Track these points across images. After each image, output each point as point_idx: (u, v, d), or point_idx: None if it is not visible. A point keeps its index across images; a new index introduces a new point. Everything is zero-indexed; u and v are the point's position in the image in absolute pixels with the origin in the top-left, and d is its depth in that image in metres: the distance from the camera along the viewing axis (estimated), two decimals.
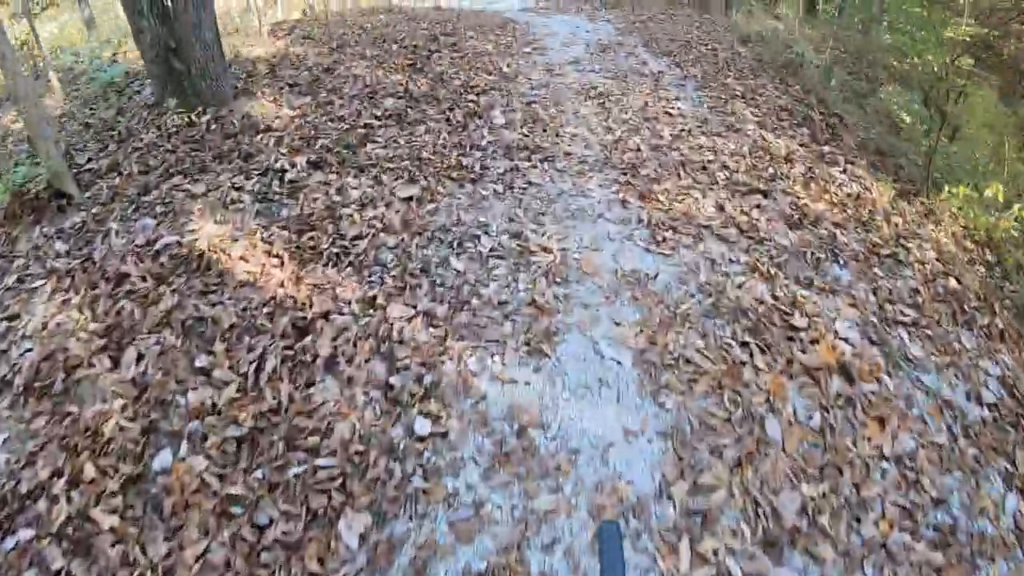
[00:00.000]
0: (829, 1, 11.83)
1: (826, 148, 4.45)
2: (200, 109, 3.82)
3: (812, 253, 3.04)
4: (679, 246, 2.90)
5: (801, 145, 4.39)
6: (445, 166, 3.53)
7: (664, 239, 2.91)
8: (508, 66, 5.43)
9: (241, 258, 2.78)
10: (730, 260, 2.88)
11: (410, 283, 2.66)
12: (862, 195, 3.95)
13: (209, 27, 3.84)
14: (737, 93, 5.15)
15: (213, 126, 3.70)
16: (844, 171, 4.20)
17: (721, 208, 3.27)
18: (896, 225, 3.74)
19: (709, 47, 6.50)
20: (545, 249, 2.82)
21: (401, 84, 4.62)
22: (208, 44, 3.84)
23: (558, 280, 2.66)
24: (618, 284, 2.67)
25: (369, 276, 2.71)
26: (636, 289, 2.64)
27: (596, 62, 5.69)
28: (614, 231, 2.97)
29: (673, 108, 4.57)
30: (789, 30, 8.96)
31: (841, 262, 3.10)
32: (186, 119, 3.75)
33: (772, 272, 2.84)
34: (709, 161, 3.75)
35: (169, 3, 3.76)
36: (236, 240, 2.85)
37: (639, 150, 3.81)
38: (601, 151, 3.81)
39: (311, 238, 2.88)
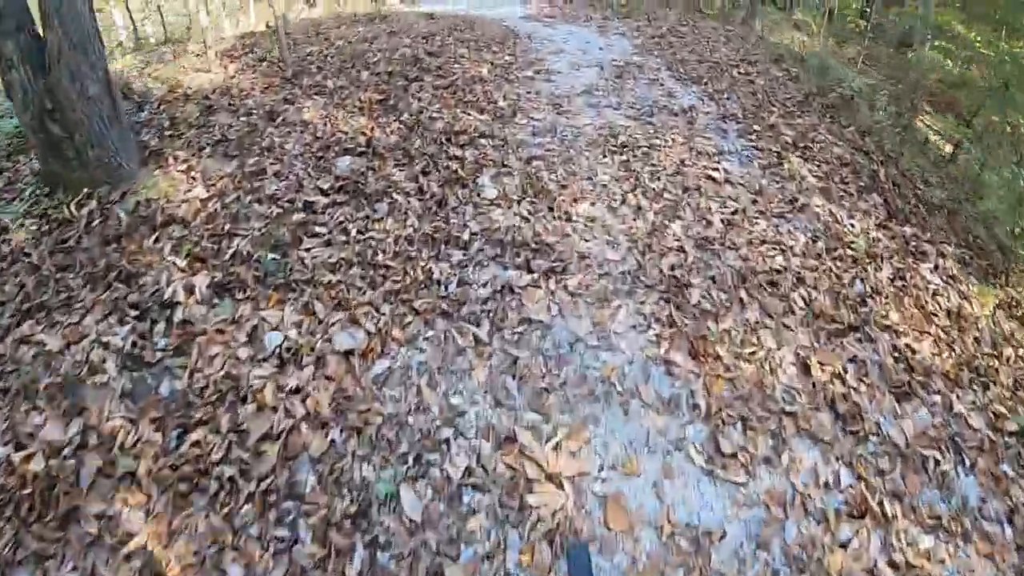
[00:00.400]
0: (848, 8, 10.43)
1: (908, 229, 3.34)
2: (86, 192, 2.70)
3: (933, 457, 1.99)
4: (754, 463, 1.83)
5: (879, 226, 3.28)
6: (409, 282, 2.43)
7: (733, 452, 1.84)
8: (505, 98, 4.25)
9: (91, 488, 1.73)
10: (826, 485, 1.82)
11: (336, 545, 1.61)
12: (963, 311, 2.88)
13: (95, 78, 2.66)
14: (788, 140, 4.01)
15: (96, 221, 2.57)
16: (935, 268, 3.11)
17: (805, 367, 2.19)
18: (1008, 361, 2.70)
19: (741, 70, 5.29)
20: (551, 477, 1.75)
21: (364, 132, 3.46)
22: (96, 101, 2.67)
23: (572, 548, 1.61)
24: (665, 554, 1.61)
25: (277, 524, 1.66)
26: (692, 564, 1.59)
27: (613, 92, 4.50)
28: (656, 430, 1.90)
29: (718, 169, 3.43)
30: (818, 45, 7.68)
31: (967, 462, 2.04)
32: (65, 210, 2.63)
33: (887, 510, 1.78)
34: (778, 271, 2.64)
35: (43, 48, 2.61)
36: (89, 447, 1.79)
37: (682, 250, 2.70)
38: (629, 250, 2.69)
39: (196, 444, 1.81)
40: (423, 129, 3.64)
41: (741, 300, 2.46)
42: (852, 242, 3.04)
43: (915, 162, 4.85)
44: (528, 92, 4.45)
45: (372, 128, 3.52)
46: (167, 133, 3.28)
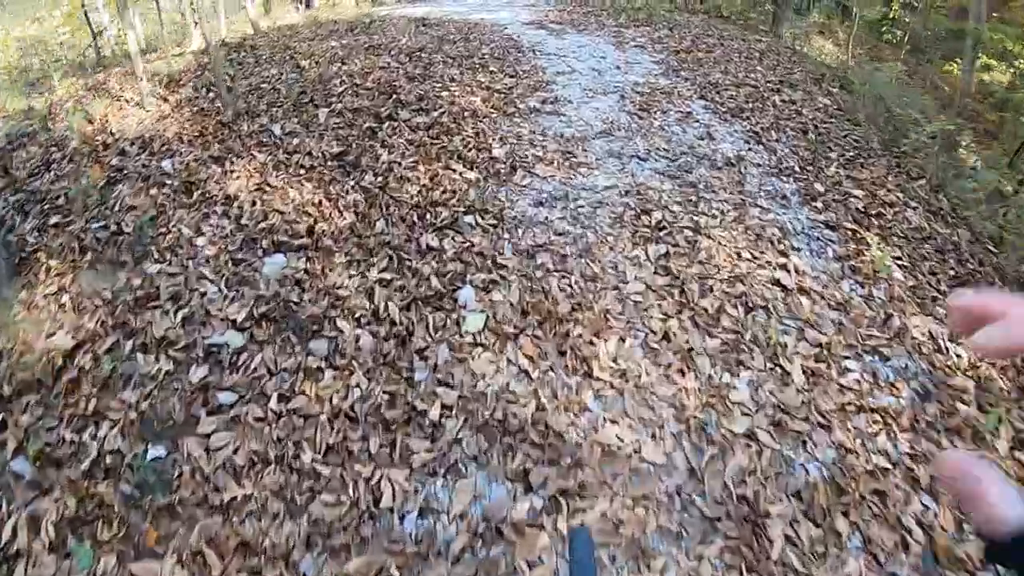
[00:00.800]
0: (871, 10, 9.08)
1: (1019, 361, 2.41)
2: None
3: None
4: None
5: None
6: (347, 507, 1.52)
7: None
8: (502, 144, 3.25)
9: None
10: None
11: None
12: None
13: None
14: (859, 205, 3.03)
15: None
16: None
17: None
18: None
19: (784, 97, 4.23)
20: None
21: (308, 211, 2.49)
22: None
23: None
24: None
25: None
26: None
27: (639, 133, 3.47)
28: None
29: (786, 266, 2.45)
30: (849, 55, 6.50)
31: None
32: None
33: None
34: (885, 469, 1.72)
35: None
36: None
37: (752, 438, 1.76)
38: (677, 439, 1.73)
39: None
40: (389, 199, 2.66)
41: (838, 535, 1.55)
42: (964, 391, 2.11)
43: (981, 218, 3.86)
44: (532, 132, 3.44)
45: (320, 202, 2.54)
46: (52, 222, 2.32)
